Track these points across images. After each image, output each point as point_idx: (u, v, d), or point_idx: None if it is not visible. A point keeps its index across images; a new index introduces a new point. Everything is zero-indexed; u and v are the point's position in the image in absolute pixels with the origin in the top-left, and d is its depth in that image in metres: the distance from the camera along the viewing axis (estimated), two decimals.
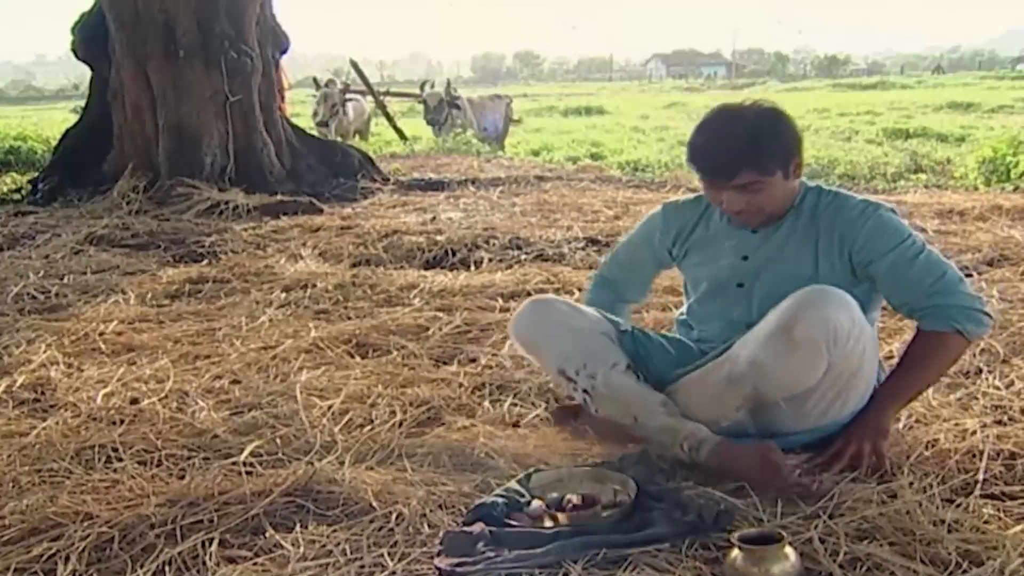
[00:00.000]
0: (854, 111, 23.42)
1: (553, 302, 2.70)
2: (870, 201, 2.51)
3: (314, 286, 4.65)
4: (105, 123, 8.28)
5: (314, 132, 12.60)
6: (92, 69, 8.61)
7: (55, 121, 28.46)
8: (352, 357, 3.52)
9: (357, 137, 14.80)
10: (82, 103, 24.17)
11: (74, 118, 27.94)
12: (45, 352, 3.63)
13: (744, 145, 2.35)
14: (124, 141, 8.12)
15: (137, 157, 7.89)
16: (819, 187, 2.55)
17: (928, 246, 2.45)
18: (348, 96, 13.96)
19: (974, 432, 2.53)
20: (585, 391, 2.51)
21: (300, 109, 17.43)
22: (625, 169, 11.14)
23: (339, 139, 13.94)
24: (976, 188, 8.46)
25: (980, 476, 2.32)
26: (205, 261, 5.54)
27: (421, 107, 14.45)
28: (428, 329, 3.83)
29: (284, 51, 9.14)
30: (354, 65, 14.73)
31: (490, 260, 5.26)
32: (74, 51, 8.65)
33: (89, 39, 8.36)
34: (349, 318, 4.11)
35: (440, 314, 4.03)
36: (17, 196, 8.30)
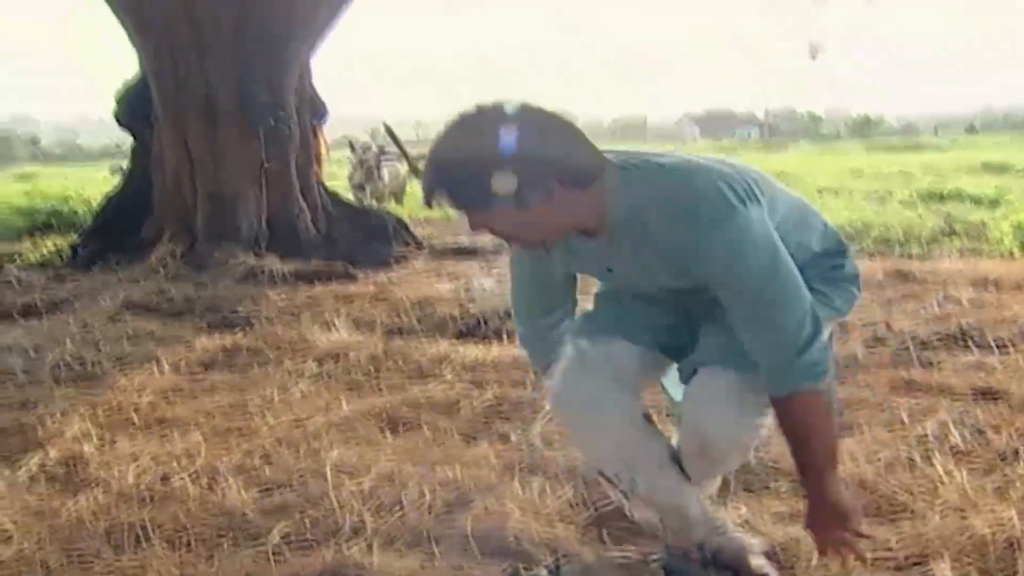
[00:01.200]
0: (888, 172, 23.36)
1: (586, 380, 2.31)
2: (708, 217, 1.98)
3: (346, 356, 4.66)
4: (145, 189, 8.43)
5: (350, 196, 12.74)
6: (134, 136, 8.78)
7: (96, 180, 29.02)
8: (382, 433, 3.51)
9: (392, 199, 14.92)
10: (123, 162, 24.68)
11: (113, 178, 28.49)
12: (78, 424, 3.66)
13: (437, 172, 1.93)
14: (163, 207, 8.25)
15: (175, 223, 8.00)
16: (663, 190, 2.03)
17: (780, 275, 2.02)
18: (383, 159, 14.09)
19: (1012, 522, 2.48)
20: (624, 493, 2.38)
21: (336, 169, 17.63)
22: None
23: (374, 201, 14.08)
24: (1012, 255, 8.38)
25: (1019, 569, 2.27)
26: (239, 329, 5.55)
27: None
28: (459, 403, 3.82)
29: (322, 118, 9.28)
30: (388, 130, 14.87)
31: None
32: (117, 118, 8.84)
33: (132, 107, 8.54)
34: (380, 391, 4.12)
35: (472, 388, 4.03)
36: (58, 260, 8.41)
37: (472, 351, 4.69)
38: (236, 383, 4.32)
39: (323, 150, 9.31)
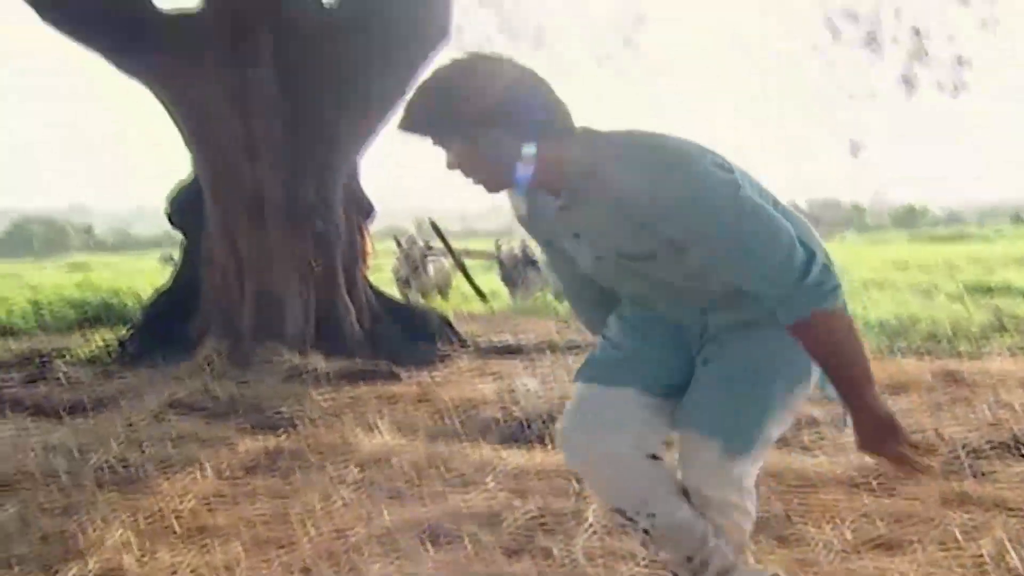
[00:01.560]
0: (933, 264, 23.18)
1: (588, 424, 2.40)
2: (664, 160, 2.07)
3: (389, 463, 4.64)
4: (194, 287, 8.55)
5: (395, 290, 12.87)
6: (185, 234, 8.94)
7: (146, 271, 29.54)
8: (424, 546, 3.47)
9: (437, 294, 15.04)
10: (173, 251, 25.09)
11: (163, 268, 29.01)
12: (119, 533, 3.65)
13: (418, 102, 2.14)
14: (211, 304, 8.35)
15: (222, 321, 8.08)
16: (634, 143, 2.14)
17: (747, 209, 2.08)
18: (429, 255, 14.25)
19: None
20: (645, 531, 2.39)
21: (383, 260, 17.77)
22: None
23: (420, 296, 14.20)
24: None
25: None
26: (282, 431, 5.56)
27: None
28: (501, 515, 3.77)
29: (368, 217, 9.41)
30: (434, 226, 15.08)
31: None
32: (168, 217, 9.02)
33: (183, 206, 8.72)
34: (422, 500, 4.08)
35: (514, 498, 3.98)
36: (106, 356, 8.52)
37: (515, 457, 4.65)
38: (278, 489, 4.31)
39: (369, 247, 9.42)
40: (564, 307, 13.14)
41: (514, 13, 12.00)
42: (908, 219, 75.53)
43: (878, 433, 2.24)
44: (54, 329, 12.65)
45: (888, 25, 11.45)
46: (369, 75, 8.23)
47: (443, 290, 15.29)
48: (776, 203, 2.30)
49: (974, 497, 3.76)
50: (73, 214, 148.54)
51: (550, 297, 13.71)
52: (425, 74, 2.15)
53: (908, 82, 11.72)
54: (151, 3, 8.09)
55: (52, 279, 22.94)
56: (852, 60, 11.76)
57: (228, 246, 8.14)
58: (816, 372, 2.40)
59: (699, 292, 2.34)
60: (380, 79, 8.31)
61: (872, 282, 19.18)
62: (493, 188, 2.22)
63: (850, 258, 28.95)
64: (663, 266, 2.25)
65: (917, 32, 11.48)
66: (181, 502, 4.06)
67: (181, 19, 8.14)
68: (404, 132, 2.17)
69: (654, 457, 2.39)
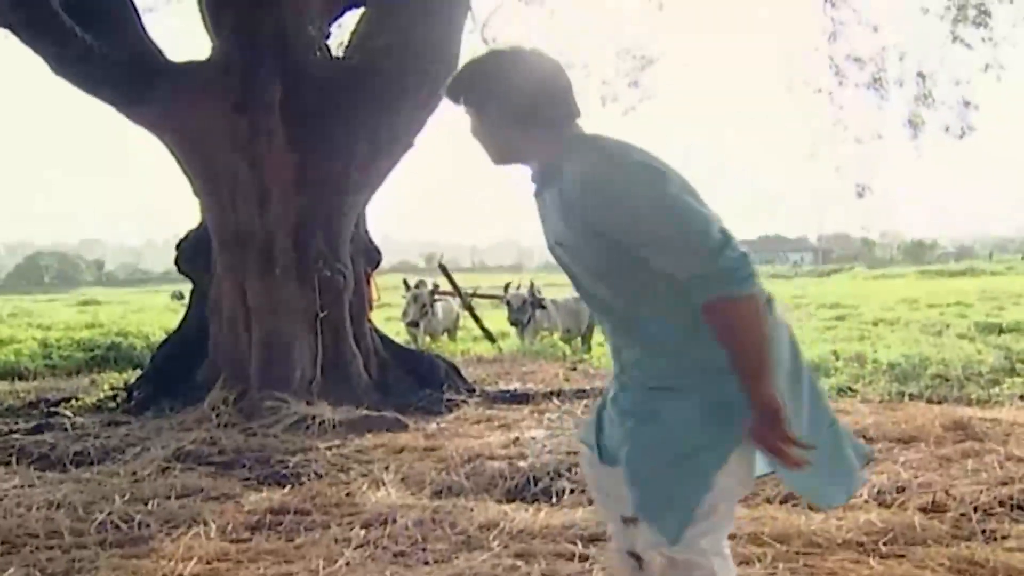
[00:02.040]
0: (943, 302, 23.13)
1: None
2: (602, 154, 2.37)
3: (394, 522, 4.61)
4: (201, 335, 8.55)
5: (402, 335, 12.87)
6: (193, 281, 8.97)
7: (156, 307, 29.60)
8: None
9: (446, 335, 15.05)
10: (183, 287, 25.09)
11: (172, 304, 28.96)
12: None
13: (458, 75, 2.54)
14: (218, 352, 8.35)
15: (229, 369, 8.07)
16: (590, 144, 2.43)
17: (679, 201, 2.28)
18: (436, 297, 14.28)
19: None
20: None
21: (390, 297, 17.75)
22: None
23: (428, 338, 14.21)
24: None
25: None
26: (288, 486, 5.54)
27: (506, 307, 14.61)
28: None
29: (376, 264, 9.44)
30: (442, 268, 15.13)
31: (572, 491, 5.18)
32: (177, 264, 9.05)
33: (192, 255, 8.75)
34: (427, 563, 4.06)
35: (519, 563, 3.95)
36: (112, 404, 8.51)
37: (520, 517, 4.62)
38: (282, 551, 4.28)
39: (375, 294, 9.44)
40: (571, 349, 13.14)
41: None
42: (918, 253, 75.46)
43: (764, 424, 2.23)
44: (62, 370, 12.70)
45: (893, 69, 11.50)
46: (378, 122, 8.26)
47: (451, 331, 15.31)
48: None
49: (983, 563, 3.72)
50: (84, 248, 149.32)
51: (556, 338, 13.70)
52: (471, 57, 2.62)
53: (914, 124, 11.74)
54: (160, 53, 8.14)
55: (62, 316, 23.02)
56: (858, 103, 11.80)
57: (236, 294, 8.14)
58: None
59: (612, 308, 2.48)
60: (389, 126, 8.34)
61: (883, 321, 19.17)
62: (496, 161, 2.56)
63: (860, 294, 28.95)
64: (582, 256, 2.45)
65: (922, 76, 11.52)
66: (184, 565, 4.03)
67: (190, 69, 8.19)
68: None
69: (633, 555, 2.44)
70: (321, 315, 8.01)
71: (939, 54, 11.14)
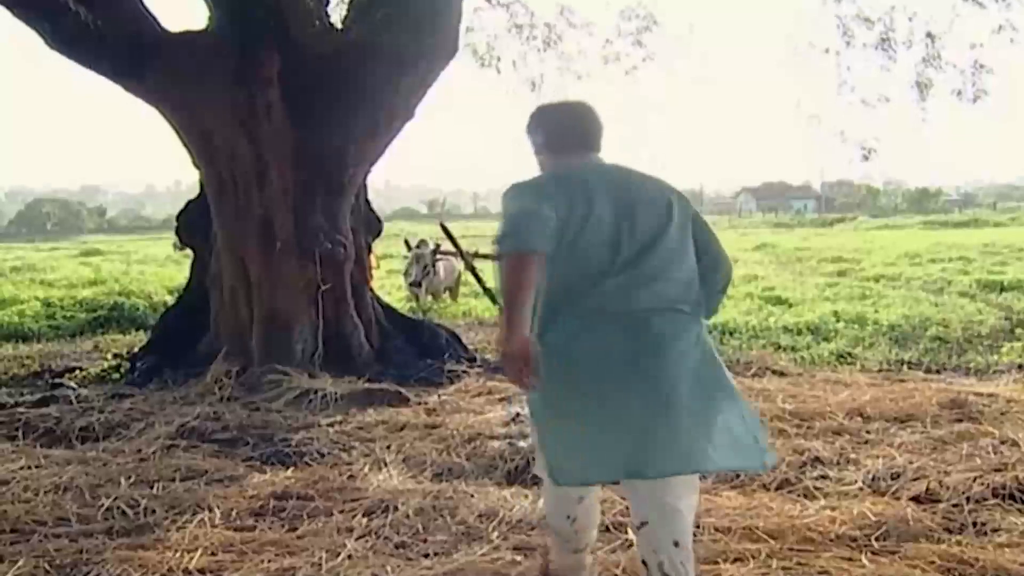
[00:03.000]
0: (946, 256, 23.11)
1: None
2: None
3: (395, 509, 4.67)
4: (202, 306, 8.61)
5: (399, 293, 12.88)
6: (194, 252, 8.99)
7: (157, 259, 29.62)
8: None
9: (447, 294, 15.09)
10: None
11: (175, 255, 28.97)
12: None
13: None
14: (220, 325, 8.41)
15: (231, 342, 8.13)
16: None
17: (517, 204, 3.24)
18: (438, 257, 14.28)
19: None
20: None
21: (390, 247, 17.70)
22: (711, 333, 11.05)
23: (430, 297, 14.26)
24: None
25: None
26: (291, 467, 5.62)
27: None
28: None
29: (377, 234, 9.46)
30: (443, 228, 15.06)
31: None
32: (177, 235, 9.08)
33: (192, 226, 8.78)
34: (427, 555, 4.13)
35: (517, 556, 4.03)
36: (116, 375, 8.58)
37: (519, 505, 4.68)
38: (285, 541, 4.34)
39: (374, 263, 9.48)
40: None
41: (523, 13, 11.91)
42: (922, 201, 75.16)
43: (505, 360, 3.12)
44: (65, 331, 12.78)
45: (902, 29, 11.34)
46: (377, 96, 8.23)
47: (452, 290, 15.34)
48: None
49: (971, 562, 3.78)
50: (85, 194, 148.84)
51: None
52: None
53: (922, 87, 11.62)
54: (158, 25, 8.08)
55: (65, 271, 23.04)
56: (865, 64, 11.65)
57: (237, 267, 8.18)
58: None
59: None
60: (389, 100, 8.32)
61: (884, 277, 19.17)
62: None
63: (863, 247, 28.89)
64: None
65: (931, 36, 11.37)
66: (189, 557, 4.11)
67: (188, 41, 8.14)
68: None
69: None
70: (323, 289, 8.04)
71: (950, 15, 10.96)
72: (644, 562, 3.22)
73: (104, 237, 70.36)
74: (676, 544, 3.17)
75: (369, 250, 9.21)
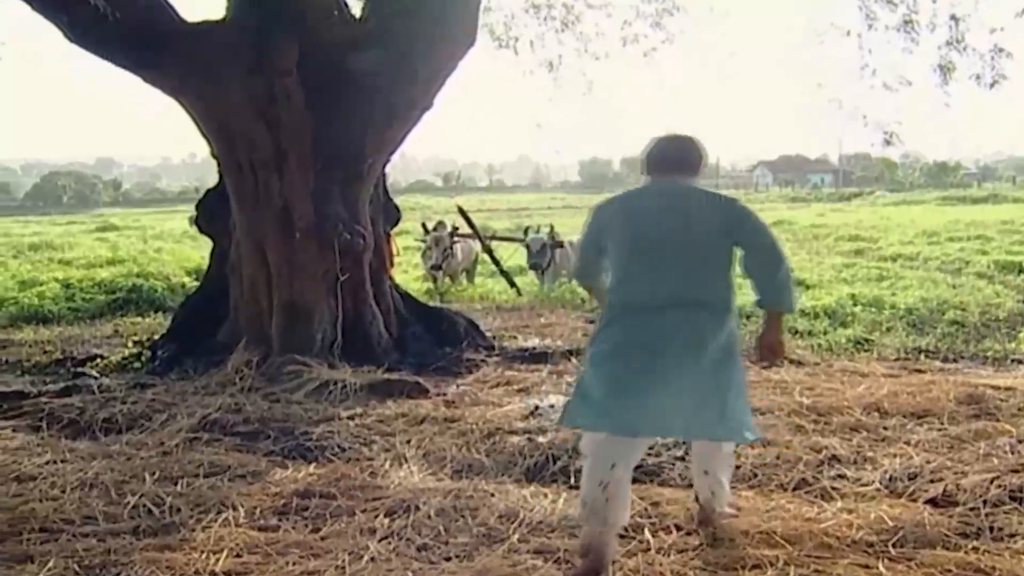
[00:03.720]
0: (964, 235, 23.03)
1: None
2: None
3: (417, 509, 4.73)
4: (222, 294, 8.66)
5: (416, 271, 12.92)
6: (213, 240, 9.04)
7: (174, 235, 29.72)
8: None
9: (465, 276, 15.15)
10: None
11: (191, 230, 29.14)
12: None
13: None
14: (239, 313, 8.46)
15: (251, 331, 8.19)
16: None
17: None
18: (455, 239, 14.34)
19: None
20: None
21: (406, 223, 17.70)
22: None
23: (448, 280, 14.33)
24: None
25: None
26: (312, 462, 5.69)
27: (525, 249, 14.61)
28: None
29: (395, 222, 9.49)
30: (461, 211, 15.12)
31: None
32: (196, 223, 9.14)
33: (211, 214, 8.82)
34: (448, 558, 4.19)
35: (537, 561, 4.08)
36: (137, 363, 8.66)
37: (539, 506, 4.74)
38: (309, 543, 4.40)
39: (394, 250, 9.52)
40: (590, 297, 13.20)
41: None
42: (940, 175, 74.63)
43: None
44: (85, 313, 12.90)
45: (925, 11, 11.20)
46: (396, 85, 8.24)
47: (470, 272, 15.40)
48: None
49: (988, 571, 3.82)
50: (100, 167, 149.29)
51: (576, 284, 13.74)
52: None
53: (945, 70, 11.50)
54: (175, 15, 8.08)
55: (82, 249, 23.17)
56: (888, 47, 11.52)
57: (256, 257, 8.22)
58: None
59: None
60: (407, 88, 8.33)
61: (902, 256, 19.12)
62: None
63: (880, 223, 28.77)
64: None
65: (955, 19, 11.25)
66: (216, 559, 4.18)
67: (206, 30, 8.14)
68: None
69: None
70: (342, 279, 8.08)
71: None
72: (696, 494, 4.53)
73: (120, 210, 70.73)
74: (706, 472, 4.43)
75: (388, 238, 9.24)
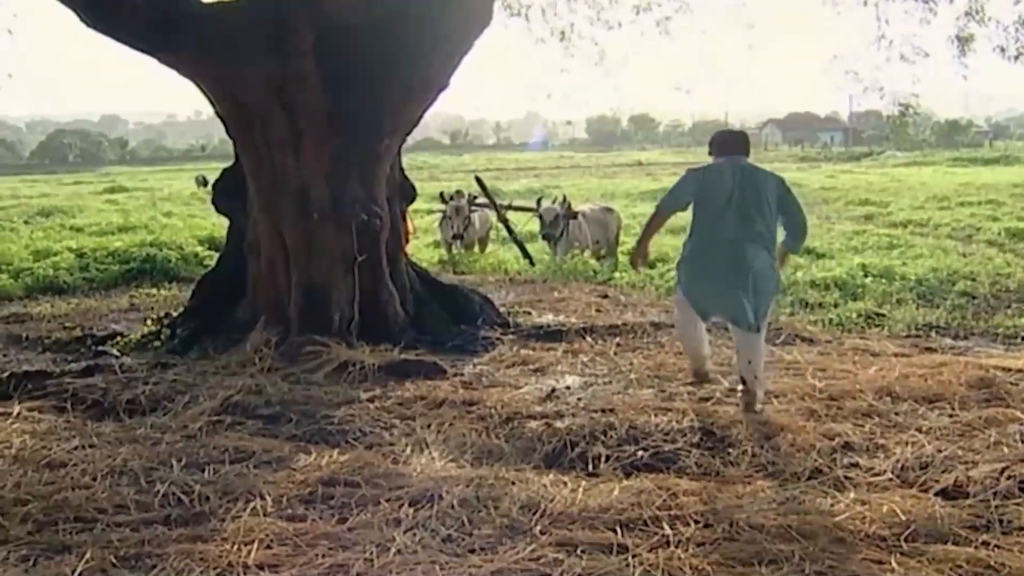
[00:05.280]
0: (975, 200, 23.03)
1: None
2: None
3: (440, 499, 4.83)
4: (239, 272, 8.75)
5: (430, 254, 12.99)
6: (230, 219, 9.12)
7: (182, 197, 29.80)
8: None
9: (478, 246, 15.25)
10: (208, 166, 26.30)
11: (199, 192, 29.46)
12: None
13: None
14: (257, 291, 8.56)
15: (269, 309, 8.29)
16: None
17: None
18: (472, 208, 14.43)
19: None
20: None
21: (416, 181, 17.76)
22: None
23: (463, 250, 14.44)
24: None
25: None
26: (335, 447, 5.79)
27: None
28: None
29: (411, 200, 9.56)
30: (478, 180, 15.19)
31: (607, 459, 5.43)
32: (214, 203, 9.22)
33: (228, 194, 8.89)
34: (472, 551, 4.30)
35: (560, 555, 4.20)
36: (156, 342, 8.77)
37: (560, 495, 4.85)
38: (336, 534, 4.50)
39: (410, 227, 9.59)
40: (601, 267, 13.27)
41: None
42: (951, 134, 74.12)
43: (632, 255, 7.27)
44: (100, 283, 13.05)
45: None
46: (412, 65, 8.28)
47: (483, 241, 15.51)
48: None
49: (998, 568, 3.93)
50: (105, 125, 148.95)
51: (587, 256, 13.82)
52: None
53: (963, 41, 11.45)
54: None
55: (91, 214, 23.31)
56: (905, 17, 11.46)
57: (273, 237, 8.29)
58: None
59: None
60: (423, 68, 8.37)
61: (912, 222, 19.13)
62: None
63: (891, 186, 28.72)
64: None
65: None
66: (247, 551, 4.30)
67: (222, 12, 8.17)
68: None
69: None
70: (359, 259, 8.15)
71: None
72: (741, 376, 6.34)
73: (126, 168, 70.81)
74: (749, 362, 6.24)
75: (404, 216, 9.32)
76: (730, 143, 6.52)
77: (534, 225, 14.70)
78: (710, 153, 6.54)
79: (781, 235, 6.50)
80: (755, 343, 6.22)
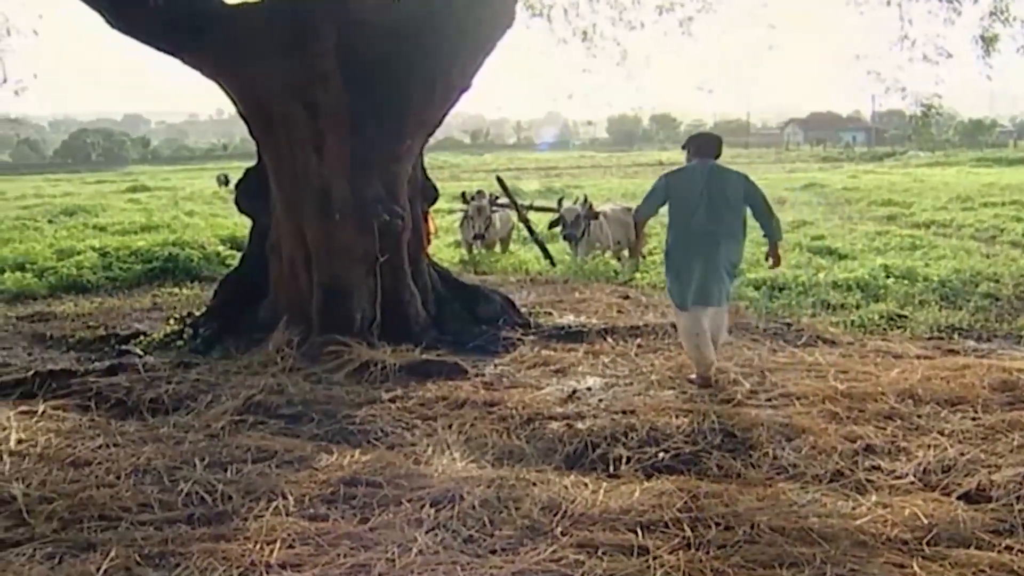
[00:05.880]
0: (999, 200, 22.86)
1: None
2: None
3: (461, 499, 4.85)
4: (261, 272, 8.79)
5: (450, 254, 12.99)
6: (252, 220, 9.16)
7: (204, 196, 29.93)
8: None
9: (499, 246, 15.27)
10: (229, 165, 26.39)
11: (221, 191, 29.62)
12: None
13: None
14: (279, 292, 8.60)
15: (291, 309, 8.33)
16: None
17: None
18: (494, 208, 14.46)
19: None
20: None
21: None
22: (760, 289, 11.12)
23: (484, 250, 14.46)
24: None
25: None
26: (357, 447, 5.82)
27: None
28: None
29: (433, 201, 9.58)
30: (499, 181, 15.21)
31: (628, 460, 5.44)
32: (236, 203, 9.27)
33: (251, 194, 8.93)
34: (494, 551, 4.32)
35: (581, 556, 4.21)
36: (179, 342, 8.82)
37: (581, 497, 4.86)
38: (358, 534, 4.53)
39: (432, 228, 9.61)
40: (622, 268, 13.26)
41: None
42: (975, 133, 73.58)
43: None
44: (123, 282, 13.15)
45: None
46: (434, 66, 8.30)
47: (505, 241, 15.53)
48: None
49: (1020, 572, 3.91)
50: (128, 124, 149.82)
51: (608, 256, 13.80)
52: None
53: (987, 41, 11.35)
54: None
55: (114, 213, 23.47)
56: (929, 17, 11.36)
57: (295, 237, 8.33)
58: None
59: None
60: (445, 70, 8.40)
61: (935, 222, 19.01)
62: None
63: (914, 187, 28.53)
64: None
65: None
66: (269, 550, 4.32)
67: (244, 12, 8.20)
68: None
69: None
70: (381, 259, 8.18)
71: None
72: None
73: (149, 168, 71.23)
74: (719, 328, 7.27)
75: (426, 217, 9.34)
76: (705, 146, 7.33)
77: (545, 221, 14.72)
78: (684, 149, 7.42)
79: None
80: (723, 313, 7.34)
